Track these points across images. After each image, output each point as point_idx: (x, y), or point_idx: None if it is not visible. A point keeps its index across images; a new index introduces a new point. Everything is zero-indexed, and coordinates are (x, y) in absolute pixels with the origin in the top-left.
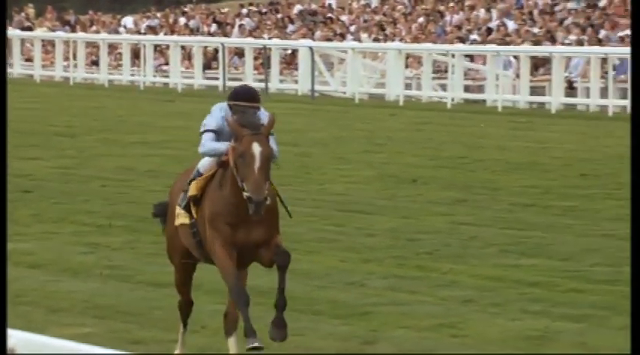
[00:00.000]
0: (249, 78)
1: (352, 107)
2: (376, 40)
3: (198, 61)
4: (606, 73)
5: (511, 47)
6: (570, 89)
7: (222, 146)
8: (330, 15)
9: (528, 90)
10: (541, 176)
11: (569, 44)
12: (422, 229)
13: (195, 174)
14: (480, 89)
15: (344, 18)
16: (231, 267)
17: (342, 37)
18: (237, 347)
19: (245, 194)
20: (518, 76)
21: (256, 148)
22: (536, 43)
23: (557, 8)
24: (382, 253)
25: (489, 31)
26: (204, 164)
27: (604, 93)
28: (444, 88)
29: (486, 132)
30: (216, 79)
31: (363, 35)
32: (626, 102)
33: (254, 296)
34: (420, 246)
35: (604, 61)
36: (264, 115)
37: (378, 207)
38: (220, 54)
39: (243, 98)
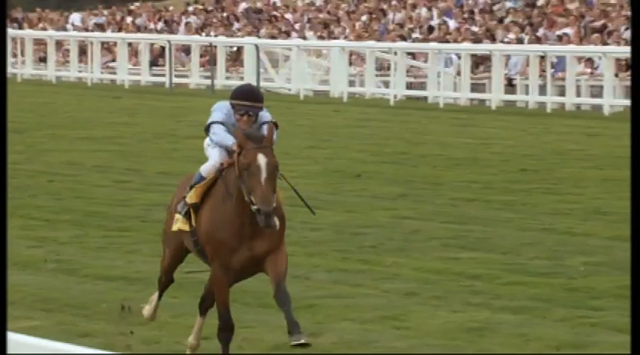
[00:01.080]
0: (196, 75)
1: (297, 103)
2: (321, 37)
3: (144, 58)
4: (544, 70)
5: (452, 45)
6: (510, 86)
7: (229, 141)
8: (274, 13)
9: (469, 87)
10: (481, 171)
11: (508, 42)
12: (365, 223)
13: (197, 177)
14: (422, 86)
15: (288, 16)
16: (224, 293)
17: (287, 34)
18: (202, 324)
19: (253, 207)
20: (459, 73)
21: (262, 159)
22: (477, 41)
23: (496, 7)
24: (327, 247)
25: (431, 29)
26: (206, 168)
27: (542, 90)
28: (386, 84)
29: (428, 128)
30: (163, 75)
31: (309, 33)
32: (564, 99)
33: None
34: (364, 240)
35: (542, 59)
36: (266, 116)
37: (322, 202)
38: (167, 51)
39: (246, 98)
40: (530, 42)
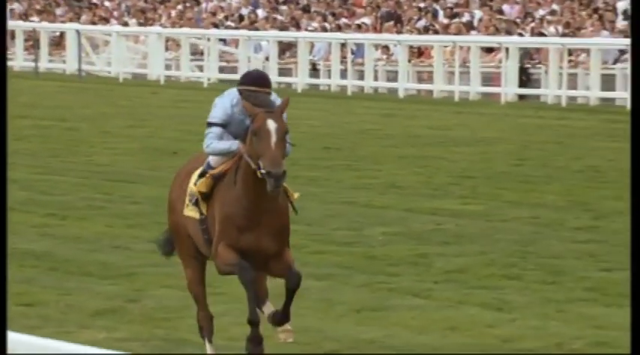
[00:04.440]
0: (20, 58)
1: (117, 85)
2: (141, 24)
3: None
4: (345, 56)
5: (260, 32)
6: (314, 71)
7: (233, 145)
8: (94, 1)
9: (277, 71)
10: None
11: (312, 30)
12: None
13: (206, 167)
14: (234, 70)
15: (107, 4)
16: (232, 256)
17: (107, 20)
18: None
19: (261, 171)
20: (267, 58)
21: (271, 124)
22: (283, 29)
23: None
24: (146, 219)
25: (241, 17)
26: (215, 158)
27: (343, 74)
28: (200, 68)
29: None
30: None
31: (132, 20)
32: (363, 83)
33: None
34: None
35: (343, 46)
36: (276, 100)
37: (141, 177)
38: None
39: (254, 83)
40: (332, 30)
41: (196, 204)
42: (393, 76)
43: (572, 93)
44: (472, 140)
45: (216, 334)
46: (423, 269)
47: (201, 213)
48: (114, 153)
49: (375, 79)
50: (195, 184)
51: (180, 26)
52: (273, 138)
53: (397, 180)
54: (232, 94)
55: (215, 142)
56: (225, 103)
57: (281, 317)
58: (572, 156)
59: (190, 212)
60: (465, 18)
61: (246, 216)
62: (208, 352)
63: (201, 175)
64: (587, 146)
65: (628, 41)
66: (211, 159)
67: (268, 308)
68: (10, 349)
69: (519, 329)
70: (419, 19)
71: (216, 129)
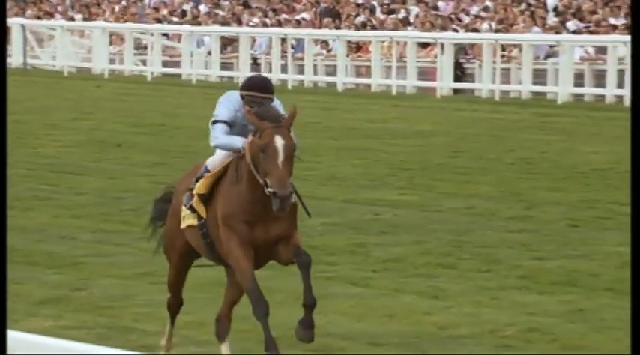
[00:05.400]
0: None
1: (62, 79)
2: (86, 19)
3: None
4: (285, 51)
5: (203, 28)
6: (255, 65)
7: (238, 142)
8: None
9: (219, 65)
10: None
11: (253, 26)
12: (126, 189)
13: (203, 171)
14: (177, 64)
15: None
16: (248, 270)
17: (51, 15)
18: (230, 350)
19: (268, 190)
20: (209, 53)
21: (279, 141)
22: (224, 24)
23: None
24: (91, 210)
25: (184, 13)
26: (213, 161)
27: (284, 68)
28: (144, 63)
29: (182, 102)
30: None
31: (77, 15)
32: (303, 77)
33: None
34: (125, 204)
35: (283, 41)
36: (277, 106)
37: (86, 169)
38: None
39: (257, 88)
40: (272, 26)
41: (192, 209)
42: (332, 71)
43: (505, 87)
44: (409, 133)
45: (159, 321)
46: (362, 259)
47: (199, 217)
48: (59, 145)
49: (315, 73)
50: (190, 189)
51: (124, 21)
52: (281, 157)
53: (336, 172)
54: (234, 98)
55: (223, 136)
56: (229, 106)
57: (307, 322)
58: (505, 148)
59: (188, 221)
60: (402, 14)
61: (252, 210)
62: (167, 328)
63: (197, 181)
64: (519, 138)
65: (558, 37)
66: (209, 163)
67: (226, 349)
68: (9, 348)
69: (454, 316)
70: (357, 15)
71: (222, 125)
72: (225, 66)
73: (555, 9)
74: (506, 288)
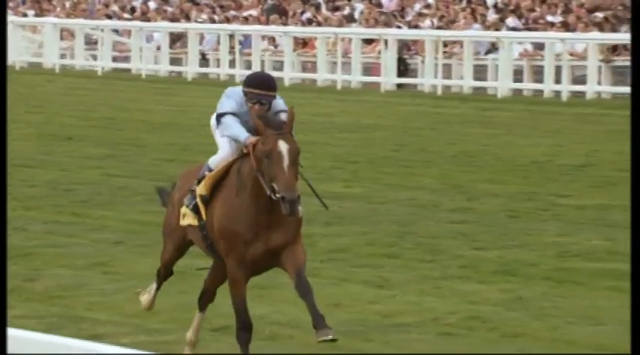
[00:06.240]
0: None
1: (13, 74)
2: (37, 15)
3: None
4: (233, 47)
5: (152, 24)
6: (203, 60)
7: (242, 135)
8: None
9: (168, 60)
10: (180, 135)
11: (202, 22)
12: (77, 181)
13: (206, 169)
14: (127, 59)
15: None
16: (241, 290)
17: None
18: (200, 322)
19: (276, 195)
20: (159, 48)
21: (283, 146)
22: (173, 20)
23: None
24: (42, 202)
25: (133, 9)
26: (215, 160)
27: (232, 64)
28: (94, 57)
29: (132, 96)
30: None
31: (30, 11)
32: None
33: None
34: (76, 196)
35: (231, 37)
36: (280, 104)
37: (38, 162)
38: None
39: (260, 86)
40: (220, 22)
41: (194, 209)
42: (278, 66)
43: (447, 82)
44: (354, 126)
45: (111, 310)
46: (309, 249)
47: (200, 219)
48: (11, 138)
49: (262, 68)
50: (192, 190)
51: (75, 17)
52: (286, 162)
53: None
54: (237, 94)
55: (234, 124)
56: (234, 100)
57: (321, 326)
58: (447, 141)
59: (188, 220)
60: (347, 11)
61: (253, 223)
62: (153, 287)
63: (199, 181)
64: (461, 132)
65: (498, 34)
66: (211, 162)
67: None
68: (9, 348)
69: (399, 304)
70: (303, 11)
71: (232, 116)
72: (174, 61)
73: (495, 6)
74: (449, 278)
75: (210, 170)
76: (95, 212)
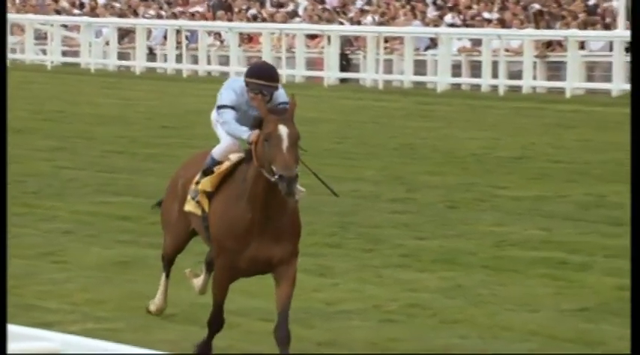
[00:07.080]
0: None
1: None
2: None
3: None
4: (180, 42)
5: (101, 19)
6: (151, 55)
7: (245, 133)
8: None
9: (116, 55)
10: (128, 128)
11: (149, 18)
12: (28, 172)
13: (209, 161)
14: (76, 54)
15: None
16: (222, 292)
17: None
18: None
19: (273, 177)
20: (107, 43)
21: (283, 130)
22: (122, 16)
23: None
24: None
25: (82, 5)
26: (218, 150)
27: (179, 58)
28: (44, 52)
29: (81, 90)
30: None
31: None
32: (197, 67)
33: None
34: (26, 187)
35: (178, 32)
36: (281, 95)
37: None
38: None
39: (262, 76)
40: (167, 18)
41: (198, 202)
42: (224, 61)
43: (388, 77)
44: (298, 120)
45: (60, 299)
46: None
47: (203, 210)
48: None
49: (209, 63)
50: (197, 182)
51: (25, 12)
52: (285, 143)
53: None
54: (238, 85)
55: (232, 121)
56: (234, 92)
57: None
58: (388, 134)
59: (191, 207)
60: (290, 7)
61: (246, 237)
62: (162, 281)
63: (205, 173)
64: (401, 125)
65: (437, 30)
66: (215, 152)
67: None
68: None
69: (341, 292)
70: (248, 8)
71: (230, 110)
72: (122, 55)
73: (434, 3)
74: (390, 266)
75: (214, 160)
76: (45, 203)
